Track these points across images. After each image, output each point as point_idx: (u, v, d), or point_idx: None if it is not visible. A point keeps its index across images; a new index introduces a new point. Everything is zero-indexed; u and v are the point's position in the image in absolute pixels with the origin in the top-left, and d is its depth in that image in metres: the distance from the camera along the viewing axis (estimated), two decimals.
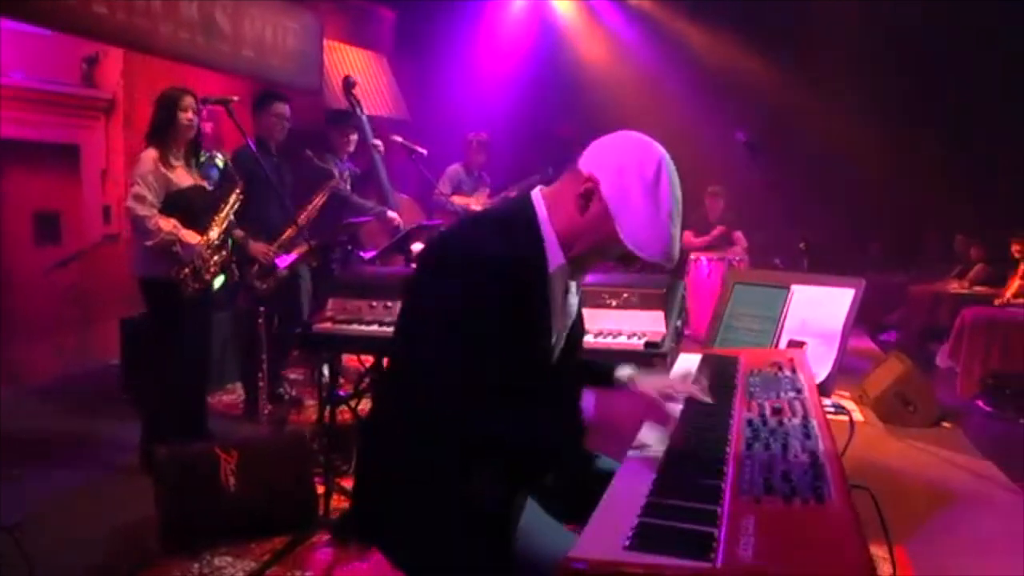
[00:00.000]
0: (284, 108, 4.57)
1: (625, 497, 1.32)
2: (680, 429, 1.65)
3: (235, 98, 3.64)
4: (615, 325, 2.83)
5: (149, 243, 3.63)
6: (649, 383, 1.85)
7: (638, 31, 9.24)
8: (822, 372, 2.48)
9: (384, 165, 5.46)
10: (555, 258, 1.66)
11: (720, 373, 2.11)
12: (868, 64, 8.17)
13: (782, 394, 1.89)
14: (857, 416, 4.59)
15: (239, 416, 4.70)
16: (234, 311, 5.01)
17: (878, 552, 2.22)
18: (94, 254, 5.57)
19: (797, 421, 1.68)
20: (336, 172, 4.80)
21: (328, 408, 3.78)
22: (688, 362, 2.30)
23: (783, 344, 2.66)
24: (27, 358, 5.19)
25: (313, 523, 3.18)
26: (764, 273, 3.11)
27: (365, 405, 4.41)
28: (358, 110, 5.50)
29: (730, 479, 1.37)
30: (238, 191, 3.86)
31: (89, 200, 5.83)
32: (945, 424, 4.85)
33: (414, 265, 4.25)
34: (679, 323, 2.95)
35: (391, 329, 2.95)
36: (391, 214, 5.26)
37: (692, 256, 7.46)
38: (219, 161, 4.10)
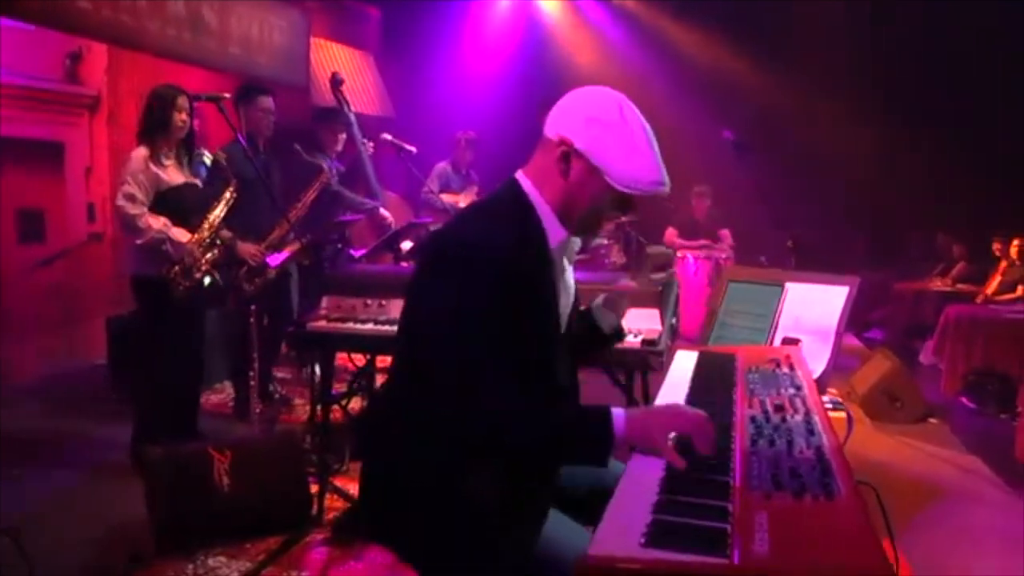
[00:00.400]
0: (268, 101, 4.51)
1: (635, 495, 1.33)
2: None
3: (226, 95, 3.62)
4: None
5: (139, 241, 3.61)
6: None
7: (624, 30, 9.27)
8: (817, 369, 2.50)
9: (371, 162, 5.45)
10: (555, 233, 1.67)
11: (718, 370, 2.13)
12: (853, 65, 8.23)
13: (782, 391, 1.90)
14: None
15: (229, 415, 4.67)
16: (223, 310, 4.97)
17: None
18: (79, 253, 5.51)
19: (800, 418, 1.69)
20: (328, 167, 4.77)
21: (319, 407, 3.78)
22: (686, 360, 2.31)
23: (778, 341, 2.68)
24: (11, 357, 5.12)
25: (308, 523, 3.17)
26: (758, 271, 3.14)
27: (355, 404, 4.42)
28: (346, 108, 5.48)
29: (738, 476, 1.38)
30: (231, 189, 3.84)
31: (73, 198, 5.77)
32: (931, 420, 4.92)
33: (404, 263, 4.31)
34: (674, 321, 2.96)
35: (386, 327, 3.00)
36: (384, 212, 5.25)
37: (679, 254, 7.50)
38: (206, 159, 4.07)
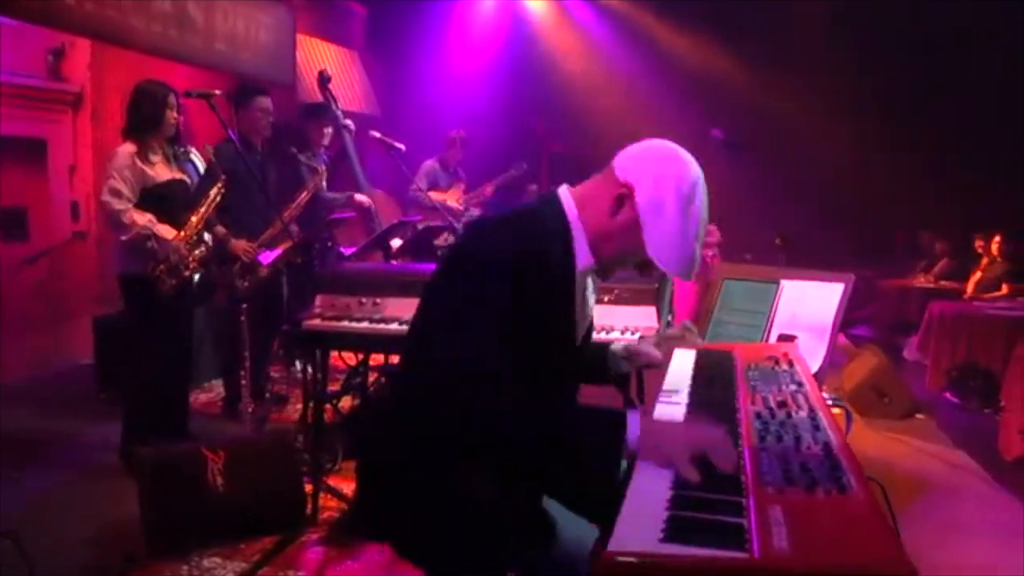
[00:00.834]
0: (266, 102, 4.53)
1: (650, 491, 1.33)
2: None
3: (217, 92, 3.58)
4: (607, 320, 2.85)
5: (123, 237, 3.58)
6: (645, 342, 1.98)
7: (610, 28, 9.29)
8: (813, 365, 2.52)
9: (356, 150, 5.42)
10: (583, 258, 1.67)
11: (718, 367, 2.14)
12: (837, 65, 8.31)
13: (783, 387, 1.91)
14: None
15: (218, 415, 4.64)
16: (211, 308, 4.93)
17: None
18: (63, 251, 5.45)
19: (804, 414, 1.70)
20: (321, 168, 4.76)
21: (312, 406, 3.76)
22: (684, 357, 2.32)
23: (773, 338, 2.70)
24: None
25: (302, 522, 3.15)
26: (753, 268, 3.16)
27: (345, 403, 4.41)
28: (334, 105, 5.45)
29: (749, 471, 1.39)
30: (219, 186, 3.80)
31: (57, 196, 5.69)
32: (918, 416, 4.98)
33: (394, 261, 4.29)
34: (669, 318, 2.98)
35: (382, 326, 2.99)
36: (359, 197, 5.19)
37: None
38: (194, 156, 4.03)
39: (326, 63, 7.68)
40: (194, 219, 3.72)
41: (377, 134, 5.19)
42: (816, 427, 1.60)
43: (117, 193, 3.54)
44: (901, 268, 7.95)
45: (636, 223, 1.61)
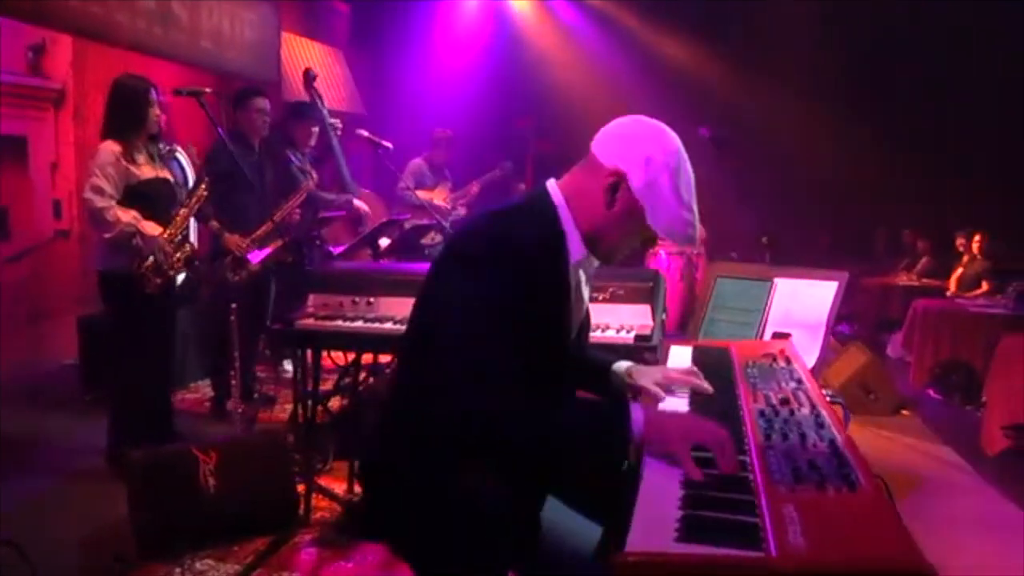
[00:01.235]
0: (263, 103, 4.54)
1: (660, 491, 1.32)
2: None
3: (207, 90, 3.54)
4: (603, 319, 2.85)
5: (107, 235, 3.50)
6: (648, 376, 1.90)
7: (595, 27, 9.31)
8: (807, 363, 2.53)
9: (342, 148, 5.40)
10: (576, 251, 1.66)
11: (716, 365, 2.14)
12: (820, 67, 8.38)
13: (783, 385, 1.92)
14: None
15: (205, 415, 4.59)
16: (196, 307, 4.89)
17: None
18: (45, 250, 5.37)
19: (807, 411, 1.71)
20: (308, 167, 4.75)
21: (301, 405, 3.73)
22: (681, 355, 2.32)
23: (767, 336, 2.72)
24: None
25: (295, 523, 3.13)
26: (746, 267, 3.18)
27: (334, 402, 4.38)
28: (320, 103, 5.42)
29: (758, 469, 1.39)
30: (203, 186, 3.77)
31: (38, 194, 5.61)
32: (904, 412, 5.03)
33: (384, 260, 4.27)
34: (664, 316, 2.99)
35: (376, 325, 2.98)
36: (357, 203, 5.20)
37: (649, 250, 7.56)
38: (179, 155, 4.00)
39: (310, 61, 7.63)
40: (179, 218, 3.68)
41: (365, 133, 5.18)
42: (820, 424, 1.61)
43: (99, 190, 3.47)
44: (883, 266, 8.03)
45: (635, 207, 1.61)
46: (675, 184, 1.61)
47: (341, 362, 4.52)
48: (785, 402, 1.77)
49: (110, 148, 3.53)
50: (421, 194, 6.09)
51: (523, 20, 9.52)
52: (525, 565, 1.67)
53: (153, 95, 3.60)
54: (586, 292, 1.82)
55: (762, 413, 1.69)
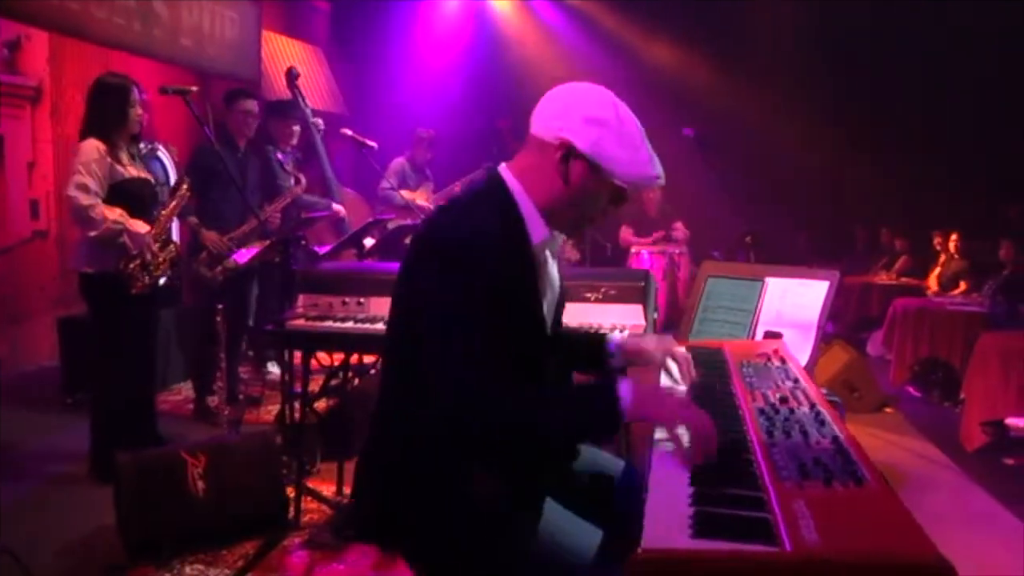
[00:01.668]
0: (250, 104, 4.53)
1: (669, 487, 1.33)
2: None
3: (194, 88, 3.49)
4: (595, 319, 2.85)
5: (93, 233, 3.43)
6: (648, 340, 1.97)
7: (575, 28, 9.33)
8: (800, 362, 2.56)
9: (326, 150, 5.36)
10: (537, 232, 1.66)
11: (710, 364, 2.15)
12: (800, 67, 8.46)
13: (780, 383, 1.94)
14: None
15: (188, 417, 4.54)
16: (177, 308, 4.84)
17: None
18: (22, 250, 5.28)
19: (806, 409, 1.72)
20: (289, 167, 4.72)
21: (289, 406, 3.70)
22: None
23: (759, 335, 2.73)
24: None
25: (285, 526, 3.10)
26: (737, 266, 3.20)
27: (320, 403, 4.34)
28: (302, 102, 5.38)
29: (764, 466, 1.40)
30: (185, 187, 3.72)
31: (15, 194, 5.51)
32: (887, 409, 5.10)
33: (369, 260, 4.25)
34: (655, 316, 3.00)
35: (367, 325, 2.95)
36: (336, 207, 5.16)
37: (633, 249, 7.59)
38: (161, 154, 3.95)
39: (291, 60, 7.58)
40: (162, 218, 3.63)
41: (349, 132, 5.15)
42: (821, 422, 1.62)
43: (84, 188, 3.40)
44: (862, 265, 8.12)
45: (592, 168, 1.61)
46: (620, 130, 1.61)
47: (327, 363, 4.49)
48: (784, 400, 1.78)
49: (94, 145, 3.46)
50: (405, 194, 6.08)
51: (504, 20, 9.51)
52: (524, 565, 1.67)
53: (136, 94, 3.54)
54: (555, 270, 1.81)
55: (762, 411, 1.70)
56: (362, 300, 3.03)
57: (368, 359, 4.23)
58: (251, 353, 5.40)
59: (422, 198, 6.34)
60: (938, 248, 7.14)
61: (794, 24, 8.33)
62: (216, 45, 6.23)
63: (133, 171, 3.58)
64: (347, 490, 3.43)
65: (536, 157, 1.65)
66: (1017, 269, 6.08)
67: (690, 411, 1.51)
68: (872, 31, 8.13)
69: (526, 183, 1.66)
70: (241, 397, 4.72)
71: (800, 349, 2.62)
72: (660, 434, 1.56)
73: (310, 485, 3.43)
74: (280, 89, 6.87)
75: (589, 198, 1.66)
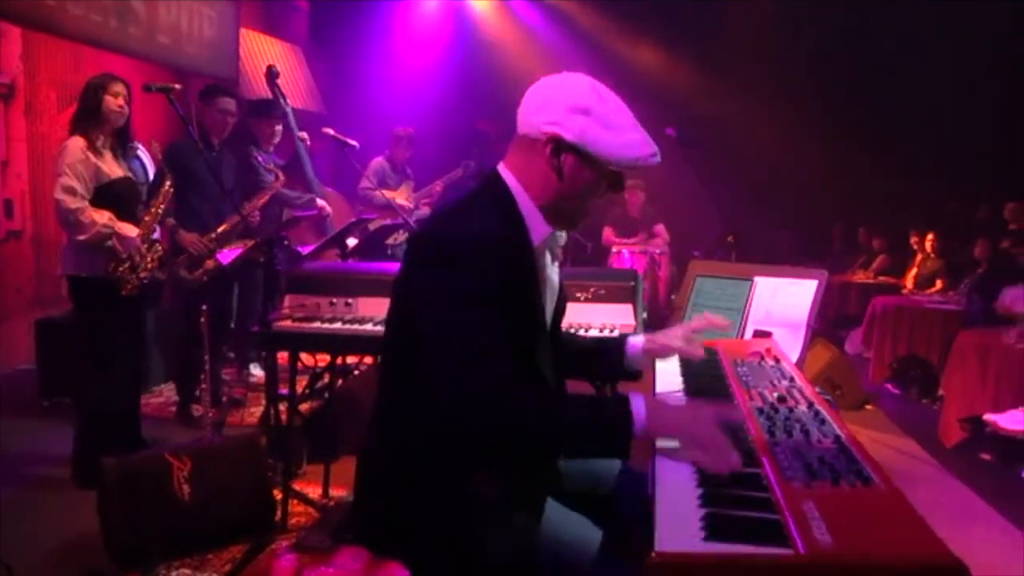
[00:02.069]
0: (227, 103, 4.42)
1: (678, 489, 1.32)
2: None
3: (177, 86, 3.44)
4: (585, 318, 2.85)
5: (82, 237, 3.37)
6: (671, 335, 1.97)
7: (555, 28, 9.33)
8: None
9: (309, 156, 5.32)
10: (538, 230, 1.65)
11: (704, 364, 2.15)
12: (778, 68, 8.54)
13: (776, 383, 1.94)
14: None
15: (170, 420, 4.47)
16: (159, 310, 4.77)
17: None
18: None
19: (804, 408, 1.73)
20: (272, 166, 4.66)
21: (274, 408, 3.67)
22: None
23: (748, 335, 2.75)
24: None
25: (272, 529, 3.07)
26: (726, 266, 3.21)
27: (304, 404, 4.30)
28: (283, 101, 5.31)
29: (769, 467, 1.40)
30: (168, 184, 3.67)
31: None
32: (868, 407, 5.15)
33: (351, 260, 4.21)
34: (645, 315, 3.00)
35: (355, 326, 2.93)
36: (320, 202, 5.12)
37: (614, 249, 7.62)
38: (140, 153, 3.89)
39: (270, 59, 7.50)
40: (148, 218, 3.58)
41: (331, 131, 5.10)
42: (821, 421, 1.63)
43: (71, 191, 3.33)
44: (840, 264, 8.21)
45: (584, 158, 1.60)
46: (605, 115, 1.60)
47: (309, 364, 4.45)
48: (782, 400, 1.78)
49: (76, 144, 3.39)
50: (385, 194, 6.04)
51: (483, 19, 9.50)
52: (525, 566, 1.66)
53: (115, 87, 3.44)
54: (555, 270, 1.81)
55: (761, 411, 1.71)
56: (350, 301, 3.01)
57: (351, 360, 4.20)
58: (232, 355, 5.34)
59: (402, 197, 6.31)
60: (915, 247, 7.23)
61: (774, 25, 8.40)
62: (194, 43, 6.15)
63: (117, 169, 3.52)
64: (334, 492, 3.41)
65: (527, 155, 1.64)
66: (992, 267, 6.17)
67: (709, 435, 1.43)
68: (850, 32, 8.22)
69: (523, 182, 1.65)
70: (224, 399, 4.67)
71: (789, 348, 2.62)
72: (662, 443, 1.51)
73: (296, 487, 3.40)
74: (259, 88, 6.80)
75: (587, 188, 1.65)
